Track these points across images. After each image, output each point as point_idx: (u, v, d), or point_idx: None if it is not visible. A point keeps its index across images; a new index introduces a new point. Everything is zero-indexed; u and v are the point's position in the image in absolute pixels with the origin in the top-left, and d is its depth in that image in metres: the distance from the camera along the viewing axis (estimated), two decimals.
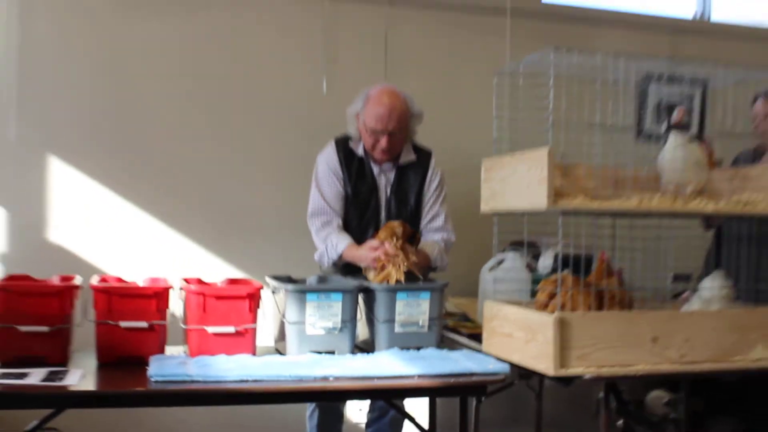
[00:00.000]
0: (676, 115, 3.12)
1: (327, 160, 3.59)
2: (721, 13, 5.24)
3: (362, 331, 3.25)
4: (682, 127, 3.12)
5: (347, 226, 3.57)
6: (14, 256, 3.87)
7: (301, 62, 4.33)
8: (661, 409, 4.14)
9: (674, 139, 3.11)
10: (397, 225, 3.30)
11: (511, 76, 3.17)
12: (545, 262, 3.87)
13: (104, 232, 4.01)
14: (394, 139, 3.49)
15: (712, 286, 3.11)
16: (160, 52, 4.15)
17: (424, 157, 3.65)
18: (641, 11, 4.98)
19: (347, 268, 3.49)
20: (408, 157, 3.61)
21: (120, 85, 4.09)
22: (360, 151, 3.58)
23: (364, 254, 3.31)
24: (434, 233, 3.61)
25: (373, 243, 3.28)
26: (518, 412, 4.38)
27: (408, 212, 3.59)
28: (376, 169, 3.59)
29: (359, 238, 3.48)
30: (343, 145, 3.60)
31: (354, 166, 3.57)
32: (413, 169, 3.62)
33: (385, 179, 3.60)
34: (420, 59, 4.49)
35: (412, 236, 3.38)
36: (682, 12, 5.20)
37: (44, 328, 2.73)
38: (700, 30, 5.07)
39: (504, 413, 4.37)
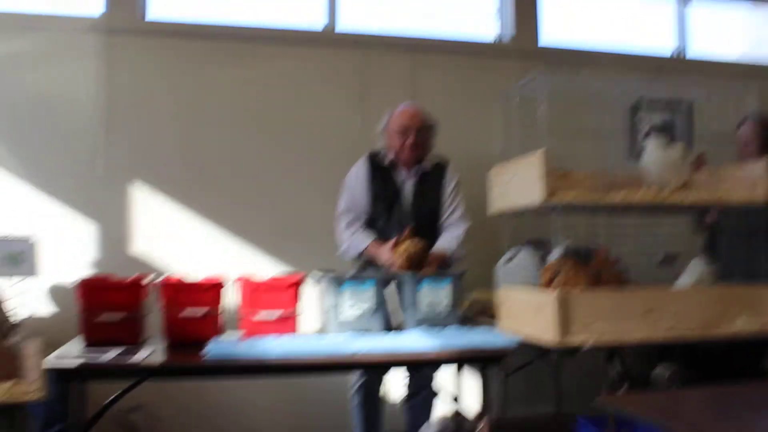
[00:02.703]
0: (648, 125, 3.07)
1: (357, 168, 3.61)
2: (696, 51, 5.12)
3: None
4: (659, 130, 3.04)
5: (374, 223, 3.55)
6: (104, 262, 3.91)
7: (341, 100, 4.33)
8: (665, 382, 3.98)
9: (653, 142, 3.03)
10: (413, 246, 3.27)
11: (517, 98, 3.15)
12: (554, 256, 3.78)
13: (177, 240, 4.04)
14: (420, 136, 3.50)
15: (697, 267, 3.00)
16: (224, 95, 4.19)
17: (442, 163, 3.65)
18: (626, 50, 4.88)
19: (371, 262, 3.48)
20: (428, 164, 3.60)
21: (187, 123, 4.13)
22: (387, 161, 3.58)
23: (382, 254, 3.34)
24: (454, 224, 3.57)
25: (389, 247, 3.31)
26: (541, 388, 4.24)
27: (428, 208, 3.56)
28: (401, 175, 3.58)
29: (386, 233, 3.48)
30: (374, 157, 3.62)
31: (383, 172, 3.57)
32: (433, 174, 3.60)
33: (409, 182, 3.57)
34: (440, 95, 4.44)
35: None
36: (662, 50, 5.09)
37: (119, 316, 2.74)
38: (678, 66, 4.96)
39: (526, 390, 4.24)
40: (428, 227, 3.51)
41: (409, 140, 3.48)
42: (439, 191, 3.58)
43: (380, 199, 3.53)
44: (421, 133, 3.50)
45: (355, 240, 3.47)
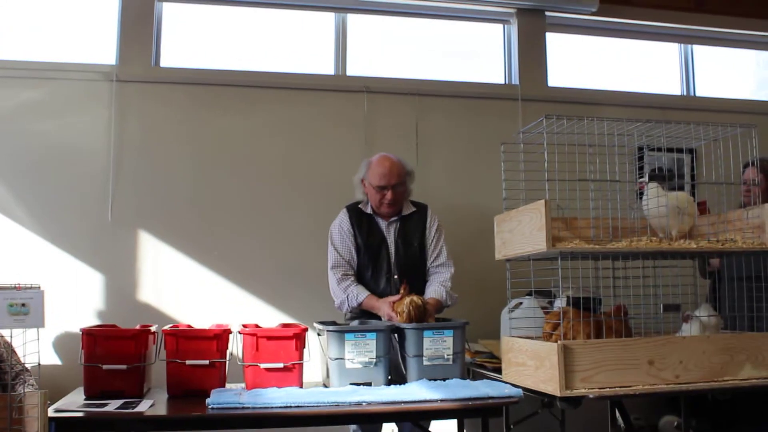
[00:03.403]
0: (649, 170, 3.08)
1: (340, 222, 3.64)
2: (704, 89, 5.16)
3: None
4: (657, 177, 3.05)
5: (362, 273, 3.58)
6: (109, 311, 3.95)
7: (346, 145, 4.38)
8: (673, 431, 3.96)
9: (653, 190, 3.04)
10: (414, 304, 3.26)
11: (520, 145, 3.15)
12: (558, 305, 3.77)
13: (181, 290, 4.07)
14: (397, 191, 3.54)
15: (702, 315, 2.99)
16: (230, 142, 4.25)
17: (422, 209, 3.69)
18: (635, 90, 4.93)
19: (367, 314, 3.51)
20: (409, 210, 3.65)
21: (195, 170, 4.19)
22: (368, 210, 3.63)
23: (383, 308, 3.36)
24: (440, 268, 3.60)
25: (392, 298, 3.34)
26: None
27: (413, 253, 3.59)
28: (383, 223, 3.62)
29: (373, 283, 3.54)
30: (353, 208, 3.66)
31: (364, 223, 3.60)
32: (414, 219, 3.64)
33: (391, 229, 3.61)
34: (445, 139, 4.50)
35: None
36: (671, 89, 5.13)
37: (122, 366, 2.76)
38: (688, 104, 4.98)
39: None
40: (414, 272, 3.55)
41: (387, 197, 3.52)
42: (422, 235, 3.62)
43: (367, 249, 3.56)
44: (397, 188, 3.54)
45: (350, 294, 3.49)
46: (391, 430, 3.81)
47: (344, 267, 3.56)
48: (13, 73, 4.01)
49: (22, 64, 4.04)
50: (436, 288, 3.51)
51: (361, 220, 3.61)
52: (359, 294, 3.47)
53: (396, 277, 3.45)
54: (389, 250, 3.58)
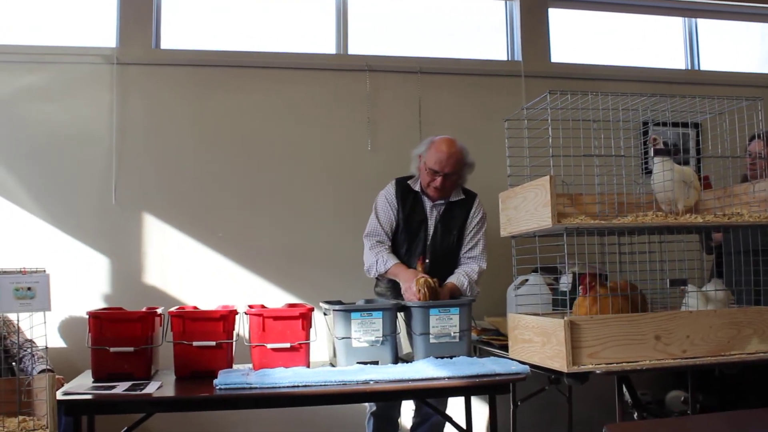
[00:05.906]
0: (653, 142, 3.05)
1: (386, 193, 3.61)
2: (708, 63, 5.11)
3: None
4: (662, 151, 3.02)
5: (396, 251, 3.56)
6: (115, 294, 3.96)
7: (349, 124, 4.36)
8: (680, 406, 3.96)
9: (659, 164, 3.02)
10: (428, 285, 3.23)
11: (524, 121, 3.12)
12: (565, 281, 3.76)
13: (187, 271, 4.07)
14: (448, 180, 3.48)
15: (710, 289, 2.98)
16: (233, 122, 4.23)
17: (470, 197, 3.63)
18: (639, 65, 4.88)
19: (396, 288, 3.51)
20: (457, 196, 3.60)
21: (198, 151, 4.19)
22: (416, 188, 3.59)
23: (406, 278, 3.33)
24: (471, 261, 3.56)
25: (415, 272, 3.30)
26: (552, 415, 4.22)
27: (452, 240, 3.56)
28: (428, 204, 3.57)
29: (405, 262, 3.50)
30: (402, 183, 3.62)
31: (409, 200, 3.57)
32: (460, 206, 3.59)
33: (435, 212, 3.57)
34: (449, 117, 4.47)
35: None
36: (675, 63, 5.08)
37: (130, 349, 2.77)
38: (692, 78, 4.94)
39: (539, 418, 4.21)
40: (447, 259, 3.52)
41: (435, 182, 3.48)
42: (463, 223, 3.57)
43: (406, 226, 3.54)
44: (448, 177, 3.48)
45: (380, 259, 3.48)
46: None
47: (380, 235, 3.55)
48: (14, 58, 4.00)
49: (22, 49, 4.02)
50: (459, 276, 3.47)
51: (406, 196, 3.57)
52: (388, 260, 3.46)
53: (428, 261, 3.38)
54: (428, 232, 3.55)
